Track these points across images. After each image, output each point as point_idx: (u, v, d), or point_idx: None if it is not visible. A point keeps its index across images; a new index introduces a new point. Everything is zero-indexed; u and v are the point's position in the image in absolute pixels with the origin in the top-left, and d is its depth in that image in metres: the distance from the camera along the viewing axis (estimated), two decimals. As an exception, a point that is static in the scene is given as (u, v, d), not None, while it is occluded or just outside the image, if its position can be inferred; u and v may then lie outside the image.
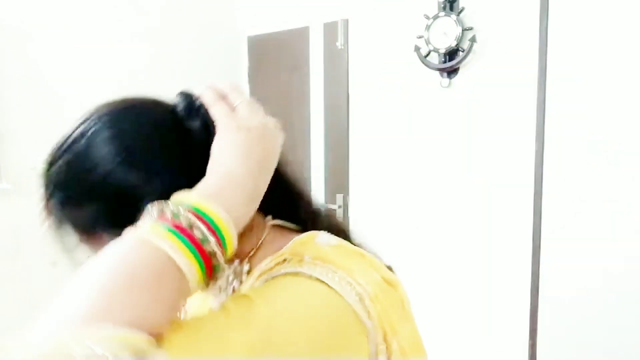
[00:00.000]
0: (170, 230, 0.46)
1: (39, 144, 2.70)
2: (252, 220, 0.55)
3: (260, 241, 0.61)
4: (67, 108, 2.33)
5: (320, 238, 0.60)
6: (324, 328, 0.51)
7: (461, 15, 1.96)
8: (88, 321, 0.41)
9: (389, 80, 2.23)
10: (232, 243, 0.50)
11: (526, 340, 1.92)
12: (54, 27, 2.27)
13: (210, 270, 0.48)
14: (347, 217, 2.44)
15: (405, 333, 0.57)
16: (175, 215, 0.47)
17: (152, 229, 0.46)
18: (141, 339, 0.41)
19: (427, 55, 2.05)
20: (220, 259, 0.48)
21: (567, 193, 1.80)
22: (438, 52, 2.01)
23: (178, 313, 0.49)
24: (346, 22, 2.38)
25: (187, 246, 0.46)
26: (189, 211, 0.47)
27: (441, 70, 2.04)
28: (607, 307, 1.74)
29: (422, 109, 2.14)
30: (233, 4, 2.88)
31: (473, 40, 1.94)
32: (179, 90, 0.63)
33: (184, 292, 0.47)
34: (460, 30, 1.95)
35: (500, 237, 1.96)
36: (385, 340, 0.54)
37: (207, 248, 0.47)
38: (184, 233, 0.46)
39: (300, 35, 2.56)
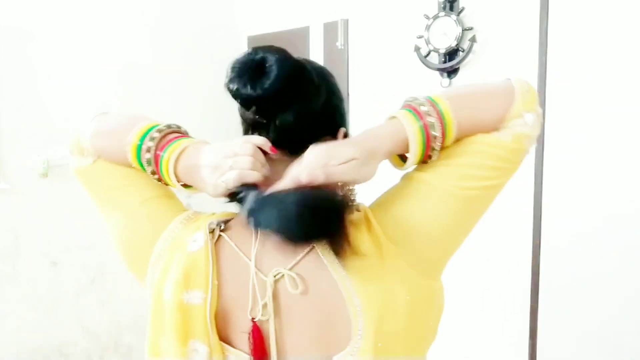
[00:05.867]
0: (408, 111, 0.69)
1: (39, 144, 2.70)
2: None
3: None
4: (66, 108, 2.33)
5: None
6: None
7: (461, 15, 1.96)
8: None
9: (389, 80, 2.23)
10: (452, 133, 0.68)
11: (526, 340, 1.92)
12: (54, 28, 2.27)
13: (428, 141, 0.68)
14: (347, 217, 2.44)
15: None
16: (417, 102, 0.70)
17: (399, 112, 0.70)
18: None
19: (427, 55, 2.06)
20: (435, 132, 0.67)
21: (567, 193, 1.80)
22: (438, 52, 2.01)
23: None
24: (346, 22, 2.38)
25: (417, 120, 0.68)
26: (427, 100, 0.69)
27: (441, 70, 2.04)
28: (607, 307, 1.74)
29: (422, 109, 2.13)
30: (233, 4, 2.88)
31: (473, 40, 1.94)
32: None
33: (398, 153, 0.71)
34: (460, 30, 1.95)
35: (500, 237, 1.96)
36: None
37: (431, 131, 0.67)
38: (417, 112, 0.68)
39: (300, 35, 2.56)
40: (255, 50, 0.71)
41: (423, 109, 0.68)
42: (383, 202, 0.72)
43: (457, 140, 0.71)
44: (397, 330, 0.66)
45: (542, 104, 1.82)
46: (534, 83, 1.83)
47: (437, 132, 0.68)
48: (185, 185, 0.74)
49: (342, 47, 2.40)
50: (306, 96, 0.71)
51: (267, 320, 0.69)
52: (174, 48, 2.65)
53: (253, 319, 0.69)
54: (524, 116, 0.70)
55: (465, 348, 2.09)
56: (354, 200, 0.78)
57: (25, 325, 2.27)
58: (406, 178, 0.74)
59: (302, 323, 0.69)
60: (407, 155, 0.72)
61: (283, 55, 0.70)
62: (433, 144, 0.68)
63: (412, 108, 0.70)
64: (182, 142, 0.72)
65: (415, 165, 0.73)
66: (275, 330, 0.69)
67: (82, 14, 2.34)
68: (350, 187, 0.78)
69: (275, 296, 0.69)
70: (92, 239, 2.39)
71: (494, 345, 2.02)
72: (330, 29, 2.45)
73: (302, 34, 2.56)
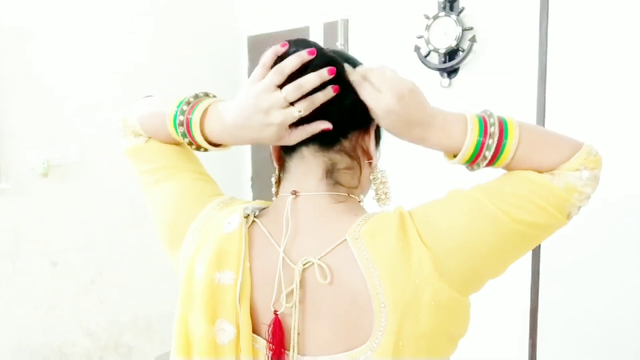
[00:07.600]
0: (477, 117, 0.71)
1: (39, 144, 2.70)
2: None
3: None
4: (66, 108, 2.33)
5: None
6: None
7: (461, 15, 1.96)
8: None
9: (389, 80, 2.23)
10: (508, 152, 0.70)
11: (526, 340, 1.92)
12: (54, 27, 2.27)
13: (477, 157, 0.72)
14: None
15: None
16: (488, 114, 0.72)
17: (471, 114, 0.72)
18: None
19: (427, 55, 2.06)
20: (487, 154, 0.70)
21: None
22: (438, 52, 2.01)
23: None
24: (346, 22, 2.38)
25: (480, 124, 0.70)
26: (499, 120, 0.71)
27: (441, 70, 2.04)
28: (607, 307, 1.75)
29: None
30: (233, 4, 2.88)
31: (473, 40, 1.94)
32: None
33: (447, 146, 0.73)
34: (460, 30, 1.95)
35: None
36: None
37: (488, 141, 0.70)
38: (484, 120, 0.71)
39: (300, 35, 2.55)
40: (290, 44, 0.71)
41: (492, 129, 0.71)
42: (422, 208, 0.73)
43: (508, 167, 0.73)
44: (418, 333, 0.67)
45: (542, 103, 1.82)
46: (534, 83, 1.83)
47: (490, 151, 0.71)
48: (216, 145, 0.77)
49: (342, 47, 2.40)
50: (340, 92, 0.72)
51: (291, 308, 0.69)
52: (174, 48, 2.65)
53: (276, 311, 0.70)
54: (580, 170, 0.71)
55: (465, 348, 2.09)
56: (387, 193, 0.78)
57: (25, 325, 2.27)
58: (450, 192, 0.75)
59: (325, 314, 0.69)
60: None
61: (318, 51, 0.70)
62: (484, 154, 0.71)
63: (482, 118, 0.72)
64: (204, 102, 0.75)
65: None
66: (298, 319, 0.70)
67: (82, 14, 2.34)
68: (382, 180, 0.78)
69: (302, 285, 0.69)
70: (92, 239, 2.39)
71: (494, 345, 2.02)
72: (330, 29, 2.45)
73: (302, 34, 2.56)
